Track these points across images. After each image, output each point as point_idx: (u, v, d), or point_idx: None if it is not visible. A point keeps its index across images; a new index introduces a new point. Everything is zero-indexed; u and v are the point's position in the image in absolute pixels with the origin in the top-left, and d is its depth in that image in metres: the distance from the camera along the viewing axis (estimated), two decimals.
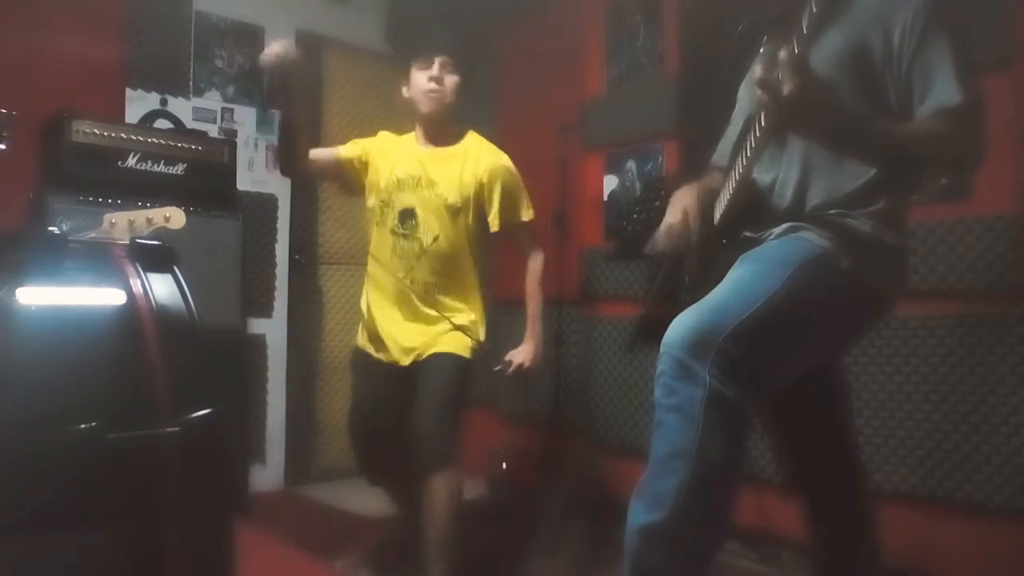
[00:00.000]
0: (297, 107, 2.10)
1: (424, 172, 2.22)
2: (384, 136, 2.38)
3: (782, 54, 1.17)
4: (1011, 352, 2.14)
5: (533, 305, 2.31)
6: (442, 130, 2.28)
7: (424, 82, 2.20)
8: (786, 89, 1.16)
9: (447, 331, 2.19)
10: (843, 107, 1.31)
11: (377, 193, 2.27)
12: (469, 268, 2.27)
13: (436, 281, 2.21)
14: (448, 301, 2.23)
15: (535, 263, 2.34)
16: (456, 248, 2.22)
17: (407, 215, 2.21)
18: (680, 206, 1.56)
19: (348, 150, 2.33)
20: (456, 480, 2.06)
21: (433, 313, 2.21)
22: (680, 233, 1.54)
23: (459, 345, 2.18)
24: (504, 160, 2.29)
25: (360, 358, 2.36)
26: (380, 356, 2.28)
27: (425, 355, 2.18)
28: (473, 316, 2.26)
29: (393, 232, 2.23)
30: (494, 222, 2.25)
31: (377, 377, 2.29)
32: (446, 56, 2.22)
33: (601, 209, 3.43)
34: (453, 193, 2.20)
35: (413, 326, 2.22)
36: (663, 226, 1.58)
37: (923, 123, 1.32)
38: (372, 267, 2.31)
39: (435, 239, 2.19)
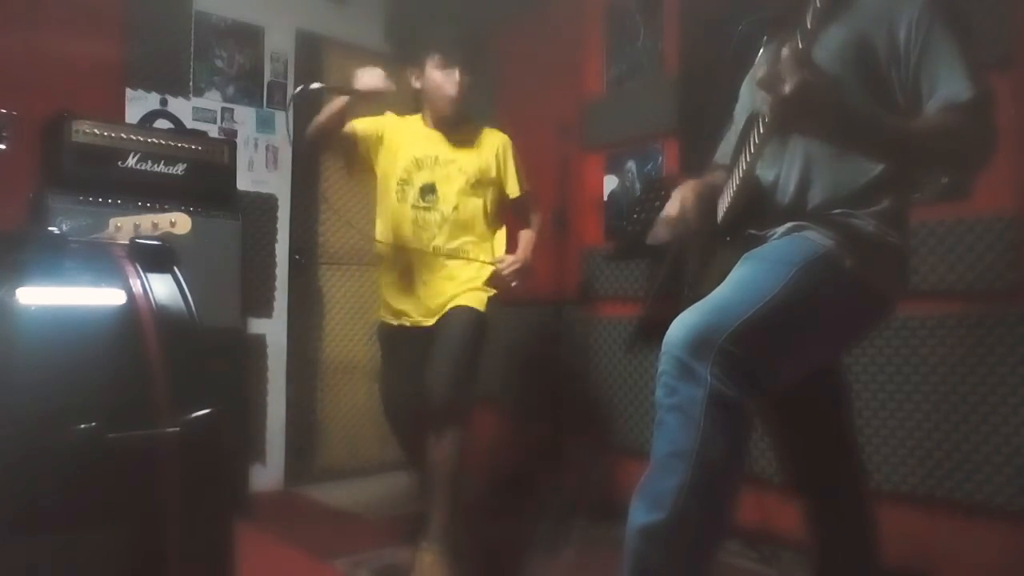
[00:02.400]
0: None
1: (441, 152, 2.46)
2: (392, 117, 2.56)
3: (785, 51, 1.17)
4: (1011, 352, 2.13)
5: (528, 234, 2.57)
6: (454, 118, 2.49)
7: (442, 82, 2.41)
8: (788, 87, 1.16)
9: (467, 287, 2.39)
10: (848, 103, 1.31)
11: (395, 172, 2.46)
12: (485, 235, 2.50)
13: (459, 244, 2.43)
14: (471, 255, 2.45)
15: (538, 218, 2.64)
16: (474, 216, 2.46)
17: (428, 190, 2.43)
18: (678, 198, 1.56)
19: (364, 127, 2.48)
20: (460, 438, 2.24)
21: (456, 266, 2.41)
22: (676, 224, 1.54)
23: (476, 299, 2.37)
24: (507, 138, 2.58)
25: (385, 328, 2.56)
26: (404, 323, 2.46)
27: (445, 310, 2.37)
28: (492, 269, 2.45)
29: (414, 207, 2.42)
30: (514, 188, 2.54)
31: (404, 344, 2.48)
32: (461, 65, 2.41)
33: (601, 209, 3.43)
34: (473, 169, 2.44)
35: (436, 286, 2.40)
36: (661, 216, 1.58)
37: (933, 117, 1.31)
38: (386, 246, 2.49)
39: (455, 208, 2.41)
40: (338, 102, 2.30)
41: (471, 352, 2.32)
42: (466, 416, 2.31)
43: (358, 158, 2.51)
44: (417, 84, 2.47)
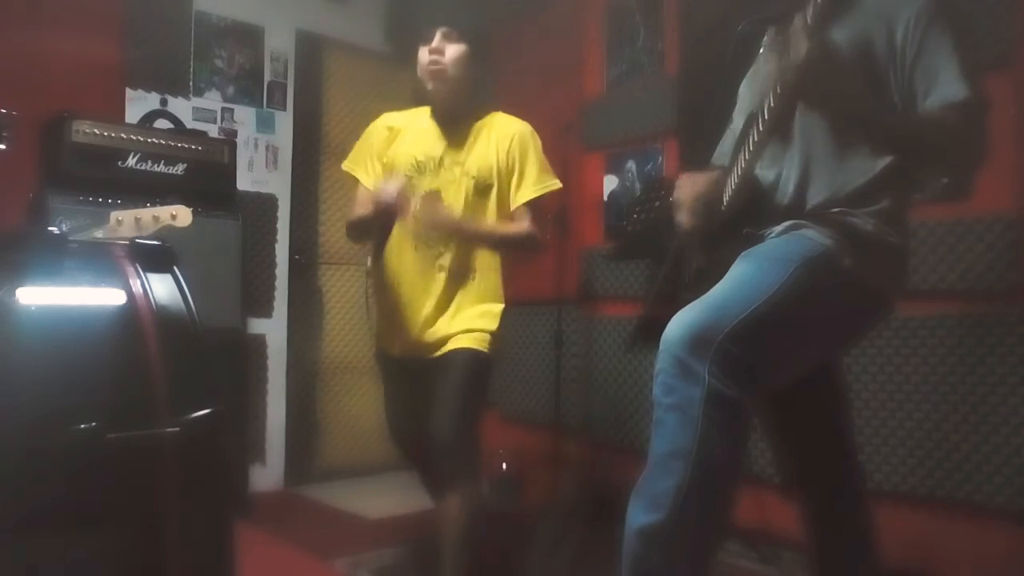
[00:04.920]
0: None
1: (447, 151, 2.09)
2: (389, 119, 2.20)
3: (796, 22, 1.18)
4: (1011, 352, 2.14)
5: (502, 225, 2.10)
6: (458, 109, 2.11)
7: (425, 57, 2.04)
8: (802, 52, 1.17)
9: (468, 326, 2.06)
10: (855, 82, 1.31)
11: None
12: (493, 253, 2.12)
13: (462, 268, 2.08)
14: (473, 290, 2.09)
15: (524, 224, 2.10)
16: None
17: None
18: (686, 185, 1.56)
19: (373, 179, 2.14)
20: (473, 494, 2.00)
21: (457, 304, 2.08)
22: (693, 208, 1.54)
23: (477, 340, 2.05)
24: (529, 128, 2.18)
25: (383, 357, 2.25)
26: (403, 354, 2.15)
27: (445, 350, 2.06)
28: (496, 307, 2.11)
29: (415, 220, 2.05)
30: (527, 192, 2.08)
31: (403, 375, 2.19)
32: (447, 26, 2.03)
33: (601, 209, 3.43)
34: (482, 168, 2.07)
35: (436, 319, 2.08)
36: (680, 208, 1.56)
37: (931, 112, 1.33)
38: (385, 265, 2.14)
39: None
40: (364, 210, 2.07)
41: (473, 400, 2.04)
42: (473, 469, 2.03)
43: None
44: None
